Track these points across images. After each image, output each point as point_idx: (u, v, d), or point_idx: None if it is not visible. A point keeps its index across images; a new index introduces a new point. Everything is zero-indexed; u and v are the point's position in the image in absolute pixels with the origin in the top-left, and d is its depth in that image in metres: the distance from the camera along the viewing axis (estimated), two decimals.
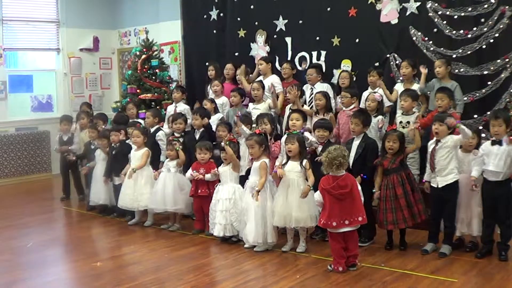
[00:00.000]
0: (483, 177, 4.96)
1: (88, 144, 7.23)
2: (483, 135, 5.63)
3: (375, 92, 6.13)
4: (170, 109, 7.60)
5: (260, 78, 7.35)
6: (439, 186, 5.02)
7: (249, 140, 5.38)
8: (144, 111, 7.76)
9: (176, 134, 6.56)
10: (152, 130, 7.01)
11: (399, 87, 6.39)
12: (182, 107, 7.56)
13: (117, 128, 6.80)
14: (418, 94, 6.02)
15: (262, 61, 7.48)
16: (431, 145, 5.10)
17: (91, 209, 7.08)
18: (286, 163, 5.26)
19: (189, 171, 5.90)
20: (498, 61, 6.28)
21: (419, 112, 5.94)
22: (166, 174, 6.07)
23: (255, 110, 6.68)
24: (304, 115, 5.82)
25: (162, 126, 7.12)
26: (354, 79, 6.96)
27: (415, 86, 6.23)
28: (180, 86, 8.29)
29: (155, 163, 6.56)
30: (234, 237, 5.52)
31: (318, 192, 4.72)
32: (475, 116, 6.40)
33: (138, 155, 6.33)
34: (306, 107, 6.59)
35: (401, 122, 5.82)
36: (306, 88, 6.99)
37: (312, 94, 6.75)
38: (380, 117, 5.89)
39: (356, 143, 5.42)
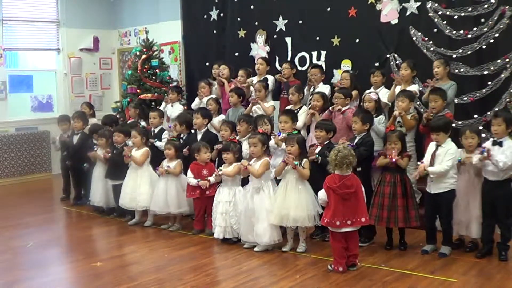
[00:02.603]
0: (483, 176, 4.96)
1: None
2: (483, 135, 5.63)
3: (370, 92, 6.12)
4: (166, 109, 7.63)
5: (254, 78, 7.38)
6: (432, 192, 5.03)
7: (253, 138, 5.39)
8: None
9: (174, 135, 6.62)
10: (156, 130, 7.01)
11: (397, 88, 6.38)
12: (178, 107, 7.58)
13: (120, 129, 6.80)
14: (415, 95, 6.00)
15: (262, 61, 7.50)
16: (431, 147, 5.09)
17: (95, 209, 7.01)
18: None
19: (192, 178, 5.86)
20: (498, 61, 6.28)
21: (414, 113, 5.94)
22: (167, 176, 6.06)
23: (258, 109, 6.70)
24: (293, 117, 5.82)
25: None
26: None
27: (413, 87, 6.22)
28: (176, 86, 8.28)
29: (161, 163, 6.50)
30: (234, 237, 5.53)
31: (322, 190, 4.72)
32: (475, 116, 6.39)
33: (137, 154, 6.34)
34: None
35: (398, 122, 5.80)
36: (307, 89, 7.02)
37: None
38: (381, 117, 5.90)
39: (357, 142, 5.43)
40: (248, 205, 5.30)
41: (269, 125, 5.87)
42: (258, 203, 5.24)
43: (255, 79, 7.33)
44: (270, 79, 7.33)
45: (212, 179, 5.74)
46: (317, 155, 5.27)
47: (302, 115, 6.30)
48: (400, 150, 5.13)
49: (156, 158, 6.52)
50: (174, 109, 7.55)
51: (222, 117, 6.93)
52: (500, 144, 4.80)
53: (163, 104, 7.83)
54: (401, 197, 5.08)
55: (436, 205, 5.05)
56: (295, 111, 6.24)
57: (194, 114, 6.67)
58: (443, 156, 4.91)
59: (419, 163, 5.16)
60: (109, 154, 6.54)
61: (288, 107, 6.66)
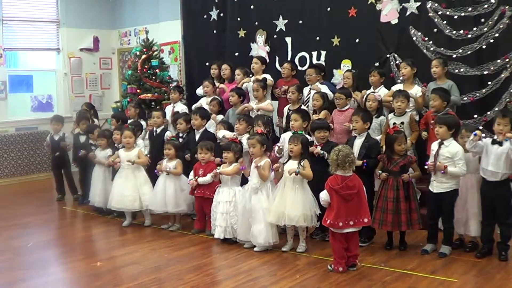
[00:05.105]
0: (482, 176, 4.96)
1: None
2: (483, 135, 5.62)
3: (373, 92, 6.12)
4: (168, 110, 7.63)
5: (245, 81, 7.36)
6: (435, 191, 5.03)
7: (251, 139, 5.39)
8: None
9: (180, 134, 6.65)
10: (159, 130, 7.01)
11: (399, 88, 6.38)
12: (180, 107, 7.59)
13: (119, 128, 6.79)
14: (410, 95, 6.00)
15: (257, 60, 7.48)
16: (434, 146, 5.08)
17: (96, 209, 6.98)
18: (286, 162, 5.27)
19: (191, 175, 5.91)
20: (498, 61, 6.27)
21: (411, 113, 5.93)
22: (166, 175, 6.06)
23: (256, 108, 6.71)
24: (304, 116, 5.81)
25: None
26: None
27: (415, 88, 6.21)
28: (178, 86, 8.29)
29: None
30: (234, 237, 5.52)
31: (325, 191, 4.70)
32: (475, 116, 6.39)
33: (132, 155, 6.28)
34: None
35: (394, 123, 5.75)
36: (305, 89, 7.00)
37: (310, 94, 6.75)
38: (382, 117, 5.90)
39: (358, 141, 5.42)
40: (246, 205, 5.31)
41: (262, 127, 5.82)
42: (255, 204, 5.25)
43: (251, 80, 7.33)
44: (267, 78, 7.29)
45: (201, 179, 5.75)
46: (322, 152, 5.26)
47: None
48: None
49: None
50: (177, 109, 7.54)
51: (220, 117, 6.94)
52: (500, 143, 4.79)
53: (168, 107, 7.79)
54: (404, 200, 5.07)
55: (438, 204, 5.05)
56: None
57: (192, 114, 6.68)
58: (446, 156, 4.89)
59: (426, 167, 5.15)
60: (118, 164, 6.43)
61: (286, 106, 6.68)
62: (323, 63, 7.59)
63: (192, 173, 5.93)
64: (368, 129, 5.48)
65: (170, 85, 8.72)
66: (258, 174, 5.23)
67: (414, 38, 6.83)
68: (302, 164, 5.09)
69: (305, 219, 5.09)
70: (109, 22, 10.59)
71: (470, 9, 6.38)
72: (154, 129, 7.07)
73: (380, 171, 5.19)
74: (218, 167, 5.62)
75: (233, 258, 5.14)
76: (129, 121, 7.51)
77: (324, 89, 6.75)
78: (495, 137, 4.87)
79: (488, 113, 6.23)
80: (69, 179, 7.85)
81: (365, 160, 5.22)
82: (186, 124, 6.73)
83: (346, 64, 7.45)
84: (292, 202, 5.08)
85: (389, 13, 7.07)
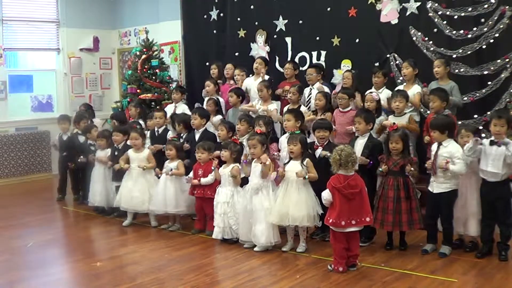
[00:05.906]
0: (481, 177, 4.96)
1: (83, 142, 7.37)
2: (482, 135, 5.63)
3: (371, 92, 6.11)
4: (170, 110, 7.63)
5: (247, 80, 7.41)
6: (434, 192, 5.03)
7: (252, 139, 5.38)
8: None
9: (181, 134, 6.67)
10: (160, 130, 7.00)
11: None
12: (182, 107, 7.58)
13: (119, 129, 6.79)
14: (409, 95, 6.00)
15: (261, 60, 7.49)
16: (433, 146, 5.08)
17: (96, 209, 6.97)
18: (287, 162, 5.27)
19: (190, 175, 5.92)
20: (498, 61, 6.28)
21: (411, 114, 5.92)
22: (167, 176, 6.07)
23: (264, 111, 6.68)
24: (296, 116, 5.80)
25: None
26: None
27: (415, 87, 6.22)
28: (180, 86, 8.32)
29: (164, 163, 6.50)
30: (235, 238, 5.52)
31: (327, 190, 4.70)
32: (475, 116, 6.39)
33: (142, 156, 6.31)
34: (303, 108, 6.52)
35: (394, 123, 5.76)
36: (306, 89, 7.00)
37: (311, 94, 6.75)
38: (382, 117, 5.89)
39: (360, 141, 5.41)
40: (247, 206, 5.31)
41: (264, 127, 5.81)
42: (256, 204, 5.24)
43: (252, 80, 7.32)
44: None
45: (203, 180, 5.76)
46: (328, 154, 5.23)
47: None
48: (401, 150, 5.13)
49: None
50: (178, 109, 7.55)
51: (219, 117, 6.93)
52: (499, 144, 4.78)
53: (169, 107, 7.79)
54: (405, 200, 5.07)
55: (438, 205, 5.05)
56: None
57: (192, 114, 6.68)
58: (445, 157, 4.88)
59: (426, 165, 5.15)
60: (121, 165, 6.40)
61: (286, 106, 6.67)
62: (323, 63, 7.60)
63: (192, 173, 5.93)
64: (371, 129, 5.47)
65: (170, 85, 8.74)
66: (259, 173, 5.22)
67: (414, 38, 6.84)
68: (305, 164, 5.10)
69: (309, 219, 5.09)
70: (109, 22, 10.59)
71: (470, 9, 6.39)
72: (156, 129, 7.07)
73: (380, 169, 5.18)
74: (215, 165, 5.63)
75: (233, 258, 5.14)
76: (129, 121, 7.53)
77: (326, 88, 6.75)
78: (493, 138, 4.86)
79: (488, 113, 6.21)
80: (74, 179, 7.82)
81: (371, 161, 5.21)
82: (178, 125, 6.72)
83: (346, 64, 7.45)
84: (295, 202, 5.07)
85: (389, 13, 7.07)
